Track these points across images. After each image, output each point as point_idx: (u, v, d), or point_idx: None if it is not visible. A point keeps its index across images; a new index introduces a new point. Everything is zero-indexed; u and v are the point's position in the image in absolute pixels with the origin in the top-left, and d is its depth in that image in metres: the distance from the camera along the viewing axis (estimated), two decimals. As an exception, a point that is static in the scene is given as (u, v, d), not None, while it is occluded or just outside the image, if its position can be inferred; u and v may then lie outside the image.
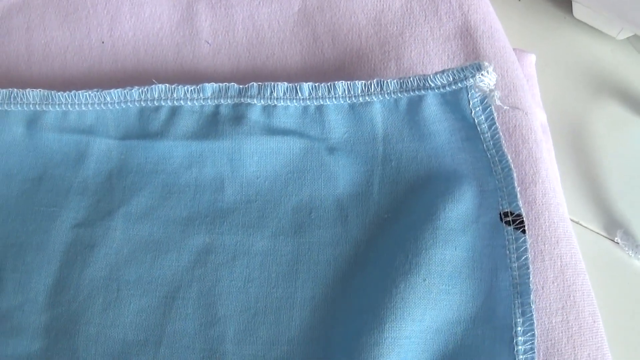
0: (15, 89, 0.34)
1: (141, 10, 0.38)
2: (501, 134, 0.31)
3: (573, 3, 0.41)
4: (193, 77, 0.37)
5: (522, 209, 0.30)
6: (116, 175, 0.34)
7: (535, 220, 0.33)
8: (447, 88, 0.32)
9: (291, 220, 0.33)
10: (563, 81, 0.41)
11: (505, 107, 0.32)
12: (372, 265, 0.32)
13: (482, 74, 0.31)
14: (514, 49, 0.38)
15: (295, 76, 0.36)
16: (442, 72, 0.31)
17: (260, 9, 0.38)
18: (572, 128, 0.40)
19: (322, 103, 0.33)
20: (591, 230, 0.39)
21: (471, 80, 0.31)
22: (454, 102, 0.32)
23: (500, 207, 0.31)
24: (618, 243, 0.38)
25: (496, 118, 0.31)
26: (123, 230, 0.33)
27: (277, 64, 0.37)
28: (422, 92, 0.32)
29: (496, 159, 0.32)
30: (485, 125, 0.32)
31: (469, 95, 0.32)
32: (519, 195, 0.30)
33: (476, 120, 0.32)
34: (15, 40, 0.38)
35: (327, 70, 0.36)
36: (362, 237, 0.33)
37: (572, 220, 0.37)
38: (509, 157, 0.31)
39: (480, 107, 0.32)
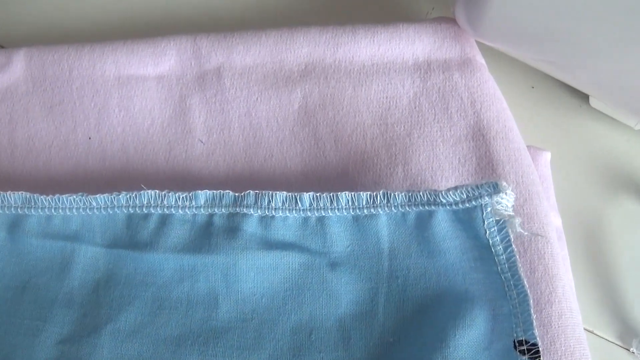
0: None
1: (130, 104, 0.37)
2: (517, 255, 0.31)
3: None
4: (185, 178, 0.36)
5: (537, 339, 0.29)
6: (103, 286, 0.33)
7: (550, 345, 0.32)
8: (460, 205, 0.32)
9: (290, 342, 0.32)
10: (578, 177, 0.41)
11: (525, 234, 0.30)
12: None
13: (500, 197, 0.30)
14: (528, 147, 0.37)
15: (295, 180, 0.36)
16: (455, 188, 0.31)
17: (258, 106, 0.37)
18: (587, 230, 0.40)
19: (323, 214, 0.33)
20: (605, 339, 0.37)
21: (486, 198, 0.31)
22: (466, 220, 0.32)
23: (515, 335, 0.30)
24: (634, 353, 0.37)
25: (512, 239, 0.31)
26: (110, 349, 0.32)
27: (276, 166, 0.36)
28: (433, 207, 0.32)
29: (511, 282, 0.31)
30: (501, 247, 0.31)
31: (484, 214, 0.32)
32: (534, 324, 0.30)
33: (491, 242, 0.31)
34: None
35: (330, 174, 0.35)
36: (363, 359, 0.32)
37: (585, 329, 0.36)
38: (525, 283, 0.30)
39: (496, 228, 0.32)
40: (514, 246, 0.31)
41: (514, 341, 0.30)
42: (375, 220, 0.33)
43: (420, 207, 0.32)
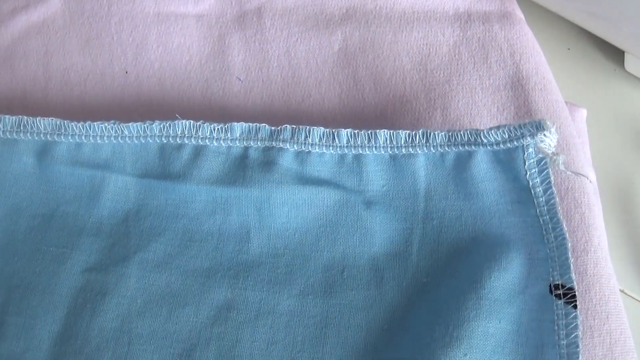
0: (25, 117, 0.34)
1: (169, 40, 0.37)
2: (557, 197, 0.31)
3: (625, 55, 0.40)
4: (221, 115, 0.37)
5: (574, 282, 0.30)
6: (133, 217, 0.34)
7: (585, 293, 0.33)
8: (502, 146, 0.32)
9: (321, 279, 0.32)
10: (612, 137, 0.41)
11: (568, 172, 0.30)
12: (408, 334, 0.31)
13: (544, 134, 0.30)
14: (565, 103, 0.37)
15: (332, 121, 0.37)
16: (498, 127, 0.31)
17: (297, 46, 0.37)
18: (620, 188, 0.40)
19: (360, 152, 0.33)
20: (636, 299, 0.37)
21: (529, 139, 0.31)
22: (507, 161, 0.32)
23: (551, 279, 0.30)
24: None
25: (553, 182, 0.31)
26: (138, 279, 0.32)
27: (314, 106, 0.36)
28: (473, 147, 0.32)
29: (549, 226, 0.31)
30: (541, 188, 0.31)
31: (525, 155, 0.31)
32: (572, 267, 0.30)
33: (530, 183, 0.31)
34: (32, 63, 0.38)
35: (368, 116, 0.35)
36: (398, 302, 0.32)
37: None
38: (564, 225, 0.30)
39: (537, 169, 0.32)
40: (554, 188, 0.31)
41: (550, 285, 0.30)
42: (413, 159, 0.33)
43: (460, 148, 0.32)
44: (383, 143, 0.32)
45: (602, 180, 0.39)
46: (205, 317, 0.32)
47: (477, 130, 0.32)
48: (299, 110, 0.37)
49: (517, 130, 0.31)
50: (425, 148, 0.32)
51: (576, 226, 0.33)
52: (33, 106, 0.38)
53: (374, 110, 0.36)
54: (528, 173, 0.31)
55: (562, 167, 0.31)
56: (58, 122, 0.34)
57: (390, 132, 0.32)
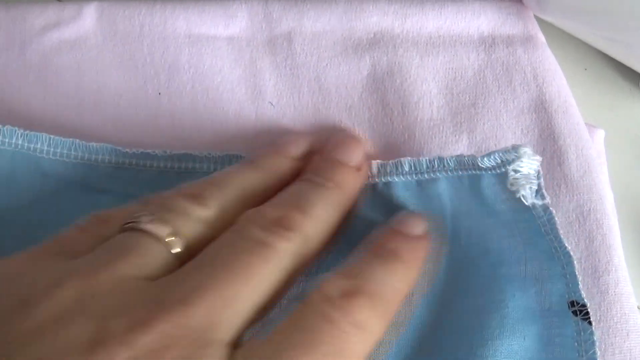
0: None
1: (200, 62, 0.39)
2: (556, 217, 0.32)
3: (641, 75, 0.42)
4: (255, 141, 0.38)
5: (585, 300, 0.32)
6: None
7: (607, 311, 0.35)
8: (498, 170, 0.33)
9: None
10: (628, 159, 0.43)
11: (539, 203, 0.33)
12: (435, 351, 0.33)
13: (521, 162, 0.32)
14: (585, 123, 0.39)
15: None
16: (489, 154, 0.33)
17: (327, 71, 0.39)
18: (636, 209, 0.41)
19: (390, 180, 0.35)
20: None
21: (514, 164, 0.33)
22: (504, 184, 0.33)
23: (567, 296, 0.32)
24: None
25: (549, 202, 0.33)
26: None
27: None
28: (477, 172, 0.34)
29: (555, 245, 0.33)
30: (540, 209, 0.33)
31: (512, 179, 0.33)
32: (580, 285, 0.32)
33: (529, 204, 0.33)
34: (65, 80, 0.39)
35: (396, 140, 0.38)
36: (426, 319, 0.34)
37: None
38: (566, 244, 0.32)
39: (531, 192, 0.33)
40: (552, 209, 0.32)
41: (567, 302, 0.32)
42: (436, 183, 0.35)
43: (470, 172, 0.34)
44: (408, 170, 0.35)
45: (619, 199, 0.41)
46: None
47: (474, 156, 0.33)
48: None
49: (506, 155, 0.33)
50: (444, 172, 0.34)
51: (598, 247, 0.36)
52: (67, 124, 0.39)
53: (402, 134, 0.38)
54: (522, 195, 0.32)
55: (531, 200, 0.32)
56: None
57: (413, 160, 0.35)
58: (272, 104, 0.39)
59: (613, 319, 0.34)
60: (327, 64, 0.40)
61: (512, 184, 0.32)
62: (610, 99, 0.45)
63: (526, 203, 0.32)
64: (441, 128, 0.38)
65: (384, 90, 0.39)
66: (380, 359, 0.33)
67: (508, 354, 0.32)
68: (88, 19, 0.41)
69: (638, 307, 0.40)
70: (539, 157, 0.32)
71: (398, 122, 0.39)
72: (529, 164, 0.32)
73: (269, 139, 0.38)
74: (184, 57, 0.40)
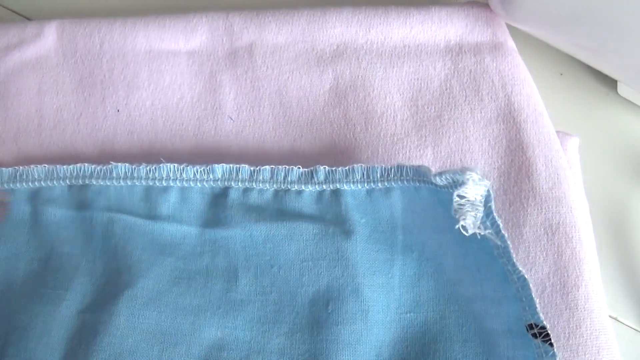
0: (20, 167, 0.36)
1: (160, 78, 0.39)
2: (508, 241, 0.32)
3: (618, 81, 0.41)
4: (213, 155, 0.39)
5: (544, 321, 0.31)
6: (121, 252, 0.35)
7: (576, 328, 0.34)
8: (450, 189, 0.32)
9: (308, 315, 0.34)
10: (604, 163, 0.44)
11: (482, 233, 0.31)
12: None
13: (466, 186, 0.31)
14: (556, 132, 0.39)
15: (324, 161, 0.39)
16: (441, 173, 0.32)
17: (289, 85, 0.39)
18: (613, 216, 0.43)
19: (338, 187, 0.35)
20: (629, 327, 0.40)
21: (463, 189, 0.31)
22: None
23: (524, 319, 0.32)
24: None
25: (501, 225, 0.31)
26: (127, 317, 0.34)
27: (306, 146, 0.39)
28: (433, 186, 0.33)
29: (509, 267, 0.32)
30: (492, 231, 0.32)
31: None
32: (538, 307, 0.31)
33: (475, 231, 0.31)
34: (26, 102, 0.40)
35: (359, 156, 0.37)
36: (383, 337, 0.34)
37: (610, 316, 0.38)
38: (520, 267, 0.31)
39: (485, 212, 0.32)
40: (504, 232, 0.31)
41: (525, 325, 0.31)
42: (389, 193, 0.34)
43: (427, 184, 0.33)
44: (360, 178, 0.34)
45: (596, 207, 0.41)
46: (196, 357, 0.33)
47: (429, 172, 0.32)
48: (291, 150, 0.38)
49: (455, 176, 0.31)
50: (400, 182, 0.34)
51: (567, 261, 0.35)
52: (26, 145, 0.40)
53: (365, 150, 0.38)
54: (462, 225, 0.31)
55: (472, 229, 0.31)
56: (50, 168, 0.36)
57: (366, 167, 0.34)
58: (231, 119, 0.39)
59: (583, 336, 0.34)
60: (288, 77, 0.40)
61: (455, 211, 0.31)
62: (587, 105, 0.44)
63: (466, 234, 0.31)
64: (405, 142, 0.38)
65: (347, 104, 0.39)
66: None
67: None
68: (49, 37, 0.41)
69: (615, 319, 0.40)
70: (486, 182, 0.31)
71: (361, 138, 0.38)
72: (475, 190, 0.31)
73: (227, 154, 0.38)
74: (143, 74, 0.40)
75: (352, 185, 0.34)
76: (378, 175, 0.34)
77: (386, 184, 0.34)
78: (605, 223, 0.42)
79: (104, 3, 0.48)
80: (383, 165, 0.34)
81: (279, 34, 0.40)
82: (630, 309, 0.40)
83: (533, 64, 0.41)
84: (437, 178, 0.32)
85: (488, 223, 0.32)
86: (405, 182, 0.34)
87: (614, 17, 0.35)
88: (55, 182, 0.36)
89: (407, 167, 0.34)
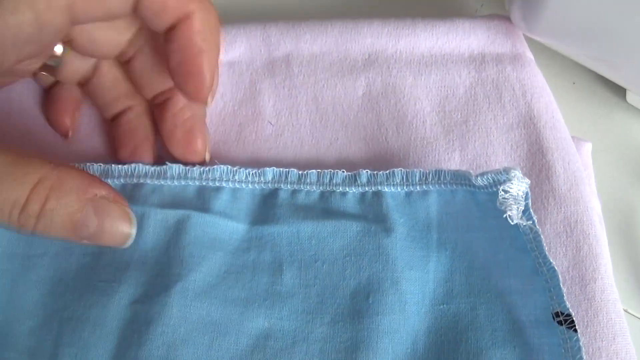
0: (76, 164, 0.38)
1: None
2: (542, 235, 0.35)
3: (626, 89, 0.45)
4: (254, 158, 0.42)
5: (570, 309, 0.34)
6: (173, 246, 0.38)
7: (594, 317, 0.38)
8: (489, 189, 0.36)
9: (350, 306, 0.37)
10: (616, 168, 0.47)
11: (523, 224, 0.35)
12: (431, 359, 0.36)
13: (512, 182, 0.35)
14: (571, 137, 0.41)
15: (358, 163, 0.41)
16: (483, 174, 0.35)
17: (324, 92, 0.42)
18: (624, 215, 0.46)
19: (379, 189, 0.38)
20: (639, 318, 0.44)
21: (506, 185, 0.35)
22: (494, 201, 0.36)
23: (551, 308, 0.35)
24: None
25: (536, 220, 0.35)
26: (180, 308, 0.36)
27: (341, 149, 0.42)
28: (470, 188, 0.37)
29: (540, 260, 0.35)
30: (527, 226, 0.35)
31: (503, 198, 0.35)
32: (565, 296, 0.34)
33: (517, 222, 0.35)
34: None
35: (391, 158, 0.40)
36: (419, 327, 0.37)
37: None
38: (550, 259, 0.35)
39: (519, 211, 0.35)
40: (537, 227, 0.35)
41: (552, 313, 0.34)
42: (426, 196, 0.38)
43: (465, 187, 0.37)
44: (400, 181, 0.38)
45: (607, 208, 0.44)
46: (245, 346, 0.36)
47: (470, 174, 0.36)
48: (327, 153, 0.41)
49: (497, 176, 0.35)
50: (437, 185, 0.37)
51: (584, 256, 0.38)
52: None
53: (397, 153, 0.41)
54: (509, 215, 0.35)
55: (516, 220, 0.34)
56: (105, 167, 0.39)
57: (405, 171, 0.38)
58: (271, 124, 0.42)
59: (600, 324, 0.37)
60: (323, 85, 0.43)
61: (501, 204, 0.35)
62: (598, 112, 0.48)
63: (511, 223, 0.34)
64: (434, 146, 0.41)
65: (379, 109, 0.42)
66: None
67: None
68: None
69: (625, 311, 0.43)
70: (527, 180, 0.35)
71: (393, 142, 0.42)
72: (518, 186, 0.35)
73: (267, 156, 0.42)
74: None
75: (392, 187, 0.38)
76: (417, 179, 0.38)
77: (424, 187, 0.38)
78: (616, 222, 0.45)
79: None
80: (422, 170, 0.38)
81: (314, 44, 0.44)
82: (639, 302, 0.44)
83: (547, 73, 0.45)
84: (479, 179, 0.35)
85: (525, 218, 0.35)
86: (442, 185, 0.37)
87: (627, 32, 0.39)
88: (109, 180, 0.38)
89: (445, 171, 0.37)
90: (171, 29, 0.35)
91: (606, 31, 0.40)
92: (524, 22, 0.42)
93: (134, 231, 0.36)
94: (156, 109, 0.40)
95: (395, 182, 0.38)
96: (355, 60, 0.44)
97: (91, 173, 0.38)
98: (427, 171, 0.38)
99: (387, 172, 0.38)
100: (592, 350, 0.36)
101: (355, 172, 0.38)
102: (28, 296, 0.37)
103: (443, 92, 0.43)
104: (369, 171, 0.38)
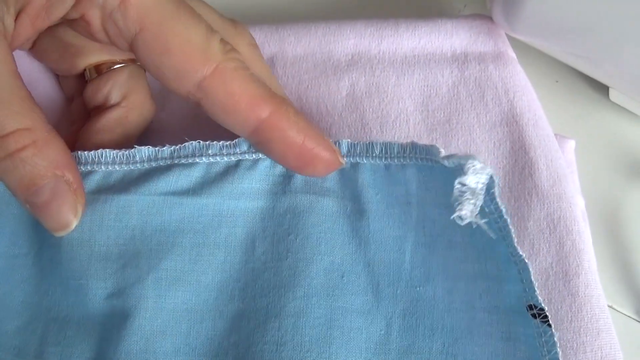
0: None
1: None
2: (510, 226, 0.34)
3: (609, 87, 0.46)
4: None
5: (542, 303, 0.34)
6: (139, 235, 0.37)
7: (578, 312, 0.38)
8: (457, 174, 0.34)
9: (324, 281, 0.36)
10: (599, 165, 0.48)
11: (479, 222, 0.33)
12: (406, 342, 0.36)
13: (467, 175, 0.33)
14: (555, 135, 0.43)
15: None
16: (449, 157, 0.34)
17: (308, 93, 0.43)
18: (607, 212, 0.47)
19: (358, 161, 0.37)
20: (624, 314, 0.44)
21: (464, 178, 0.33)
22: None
23: (524, 299, 0.34)
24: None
25: (504, 211, 0.34)
26: (155, 299, 0.36)
27: None
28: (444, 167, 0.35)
29: (510, 250, 0.34)
30: (496, 215, 0.34)
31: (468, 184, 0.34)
32: (537, 290, 0.34)
33: (487, 210, 0.34)
34: None
35: None
36: (393, 309, 0.37)
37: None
38: (520, 251, 0.34)
39: (488, 197, 0.34)
40: (506, 217, 0.33)
41: (525, 305, 0.34)
42: (405, 170, 0.37)
43: (439, 164, 0.35)
44: (379, 153, 0.36)
45: (592, 204, 0.45)
46: (222, 330, 0.36)
47: (438, 156, 0.34)
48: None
49: (460, 160, 0.33)
50: (415, 160, 0.36)
51: (568, 252, 0.39)
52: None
53: (381, 152, 0.42)
54: (459, 215, 0.33)
55: (460, 213, 0.33)
56: (72, 154, 0.36)
57: (385, 143, 0.36)
58: None
59: (584, 319, 0.38)
60: (308, 86, 0.44)
61: (455, 198, 0.33)
62: (581, 110, 0.49)
63: (461, 223, 0.33)
64: None
65: (363, 109, 0.43)
66: (353, 343, 0.35)
67: (474, 352, 0.35)
68: None
69: (609, 307, 0.44)
70: (489, 169, 0.33)
71: (377, 140, 0.42)
72: (476, 178, 0.33)
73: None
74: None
75: (371, 160, 0.36)
76: (395, 152, 0.36)
77: (402, 160, 0.36)
78: (600, 219, 0.46)
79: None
80: (400, 143, 0.36)
81: (298, 46, 0.45)
82: (624, 298, 0.45)
83: (530, 71, 0.46)
84: (446, 161, 0.34)
85: (492, 207, 0.34)
86: (420, 160, 0.36)
87: (606, 29, 0.40)
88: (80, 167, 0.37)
89: (420, 145, 0.36)
90: (256, 132, 0.34)
91: (586, 28, 0.41)
92: (505, 21, 0.43)
93: (73, 226, 0.35)
94: None
95: (374, 154, 0.37)
96: (338, 61, 0.44)
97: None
98: (406, 144, 0.36)
99: (367, 143, 0.37)
100: (577, 345, 0.37)
101: (335, 141, 0.37)
102: (14, 296, 0.37)
103: (426, 92, 0.44)
104: (349, 141, 0.37)
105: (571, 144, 0.45)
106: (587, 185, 0.45)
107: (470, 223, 0.34)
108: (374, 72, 0.44)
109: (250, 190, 0.37)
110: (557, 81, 0.50)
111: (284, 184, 0.37)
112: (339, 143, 0.37)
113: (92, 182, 0.37)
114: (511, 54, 0.45)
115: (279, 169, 0.37)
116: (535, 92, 0.45)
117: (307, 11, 0.51)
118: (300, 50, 0.45)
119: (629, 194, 0.47)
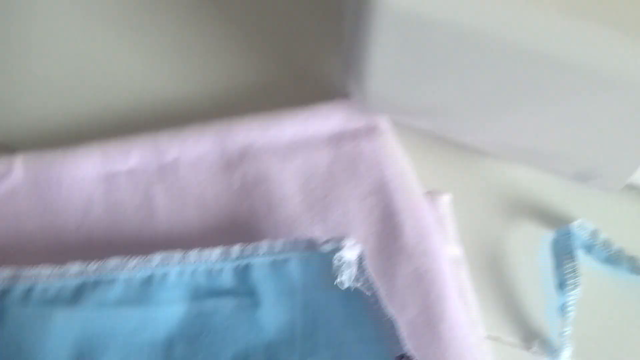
0: None
1: (110, 197, 0.49)
2: (379, 292, 0.42)
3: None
4: (152, 250, 0.47)
5: (410, 351, 0.41)
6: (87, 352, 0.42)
7: (443, 353, 0.45)
8: (332, 255, 0.43)
9: None
10: (478, 210, 0.52)
11: (353, 287, 0.43)
12: None
13: (343, 251, 0.43)
14: (429, 191, 0.49)
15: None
16: (326, 242, 0.44)
17: (207, 190, 0.50)
18: (490, 253, 0.52)
19: (248, 262, 0.44)
20: (511, 344, 0.50)
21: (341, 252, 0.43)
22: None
23: (395, 352, 0.41)
24: (535, 351, 0.49)
25: (372, 281, 0.43)
26: None
27: (225, 237, 0.48)
28: (320, 254, 0.44)
29: (379, 312, 0.42)
30: (368, 284, 0.43)
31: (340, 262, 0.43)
32: (405, 341, 0.41)
33: (350, 285, 0.43)
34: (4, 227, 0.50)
35: (263, 238, 0.46)
36: None
37: (492, 337, 0.49)
38: (388, 310, 0.42)
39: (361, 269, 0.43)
40: (375, 287, 0.42)
41: (395, 357, 0.41)
42: (287, 263, 0.44)
43: (316, 253, 0.44)
44: (264, 252, 0.44)
45: (474, 247, 0.52)
46: None
47: (316, 243, 0.44)
48: (213, 242, 0.46)
49: (334, 244, 0.43)
50: (296, 252, 0.44)
51: (433, 300, 0.46)
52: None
53: (271, 232, 0.48)
54: (340, 281, 0.43)
55: (339, 280, 0.42)
56: (13, 272, 0.43)
57: (270, 242, 0.44)
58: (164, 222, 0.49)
59: (450, 358, 0.45)
60: (207, 185, 0.50)
61: (335, 269, 0.42)
62: (459, 164, 0.54)
63: (341, 288, 0.42)
64: (299, 222, 0.49)
65: (253, 197, 0.50)
66: None
67: None
68: (19, 172, 0.50)
69: (496, 338, 0.50)
70: (359, 246, 0.43)
71: (265, 223, 0.49)
72: (350, 252, 0.43)
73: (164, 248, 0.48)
74: (99, 195, 0.50)
75: (259, 259, 0.44)
76: (278, 250, 0.44)
77: (284, 255, 0.44)
78: (484, 259, 0.52)
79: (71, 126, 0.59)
80: (283, 240, 0.44)
81: (197, 146, 0.50)
82: (510, 329, 0.50)
83: (410, 132, 0.52)
84: (324, 247, 0.43)
85: (365, 277, 0.43)
86: (299, 252, 0.44)
87: (457, 108, 0.45)
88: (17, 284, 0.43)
89: (300, 239, 0.44)
90: None
91: (434, 108, 0.46)
92: (362, 102, 0.49)
93: None
94: None
95: (262, 253, 0.44)
96: (230, 156, 0.50)
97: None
98: (287, 241, 0.44)
99: (255, 245, 0.44)
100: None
101: (228, 247, 0.44)
102: None
103: (307, 173, 0.50)
104: (240, 246, 0.44)
105: (446, 198, 0.51)
106: (467, 233, 0.51)
107: (347, 297, 0.43)
108: (262, 161, 0.50)
109: (167, 298, 0.44)
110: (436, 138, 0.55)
111: (193, 290, 0.44)
112: (228, 251, 0.44)
113: (33, 297, 0.43)
114: (382, 125, 0.51)
115: (187, 278, 0.44)
116: (413, 150, 0.51)
117: (209, 110, 0.57)
118: (200, 149, 0.50)
119: (510, 233, 0.52)
